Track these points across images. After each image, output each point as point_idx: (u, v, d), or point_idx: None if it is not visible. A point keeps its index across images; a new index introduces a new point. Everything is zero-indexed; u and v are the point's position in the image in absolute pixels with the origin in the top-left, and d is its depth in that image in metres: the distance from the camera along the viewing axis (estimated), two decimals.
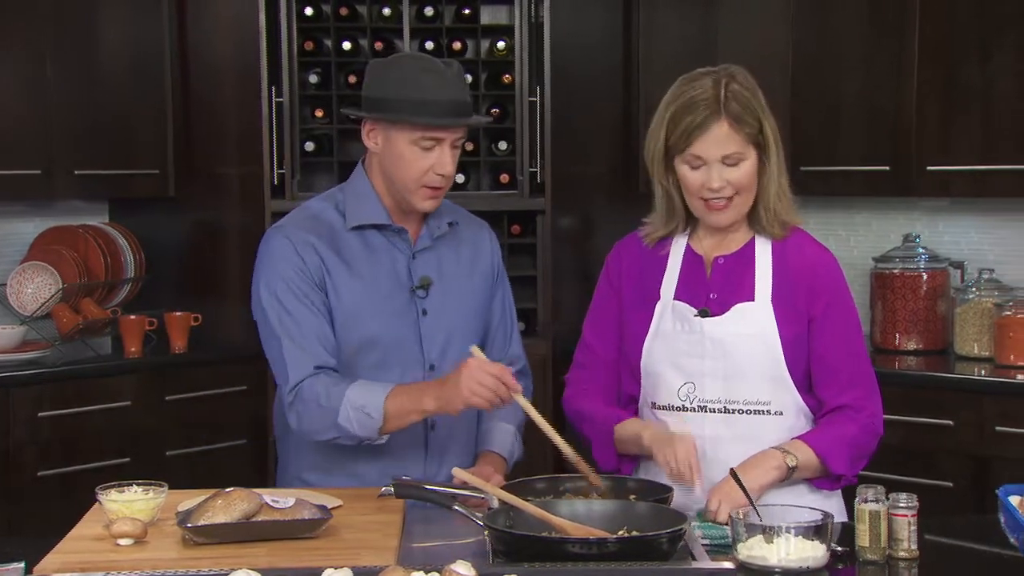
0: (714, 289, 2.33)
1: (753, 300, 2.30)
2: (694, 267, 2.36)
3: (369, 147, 2.46)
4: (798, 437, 2.28)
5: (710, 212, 2.30)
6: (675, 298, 2.35)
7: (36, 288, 4.09)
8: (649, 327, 2.36)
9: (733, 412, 2.29)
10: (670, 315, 2.34)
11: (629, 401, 2.41)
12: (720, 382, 2.28)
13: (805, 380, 2.31)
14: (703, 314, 2.31)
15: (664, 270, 2.37)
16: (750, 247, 2.34)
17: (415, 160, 2.38)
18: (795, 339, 2.29)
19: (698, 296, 2.33)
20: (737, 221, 2.33)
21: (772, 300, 2.29)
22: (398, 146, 2.39)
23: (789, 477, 2.25)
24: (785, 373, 2.28)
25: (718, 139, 2.24)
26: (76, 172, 4.07)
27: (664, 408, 2.34)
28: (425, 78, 2.36)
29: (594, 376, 2.45)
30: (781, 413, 2.30)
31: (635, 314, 2.38)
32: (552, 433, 2.28)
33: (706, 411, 2.29)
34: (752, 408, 2.28)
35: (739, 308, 2.30)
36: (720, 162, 2.25)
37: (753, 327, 2.29)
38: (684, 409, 2.32)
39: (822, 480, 2.31)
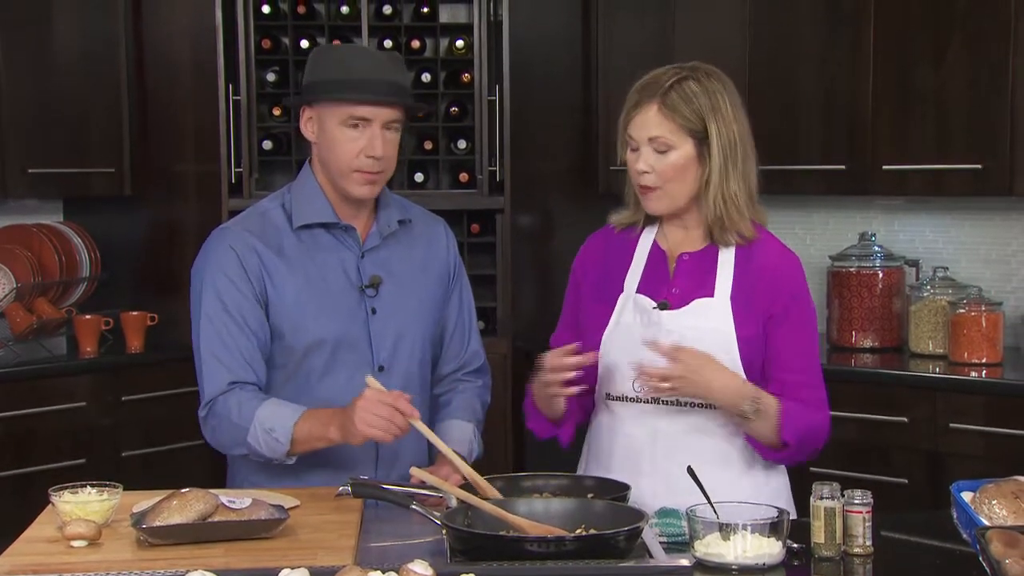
0: (676, 285, 2.34)
1: (712, 296, 2.31)
2: (658, 263, 2.37)
3: (307, 136, 2.44)
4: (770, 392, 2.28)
5: (642, 197, 2.33)
6: (637, 291, 2.36)
7: None
8: (610, 319, 2.36)
9: (685, 405, 2.29)
10: (631, 307, 2.35)
11: (585, 393, 2.41)
12: None
13: (760, 379, 2.32)
14: (662, 307, 2.32)
15: (629, 264, 2.39)
16: (715, 245, 2.35)
17: (345, 142, 2.37)
18: (752, 338, 2.30)
19: (660, 291, 2.34)
20: (676, 212, 2.33)
21: (732, 298, 2.30)
22: (329, 129, 2.38)
23: (752, 413, 2.23)
24: (740, 370, 2.29)
25: (646, 121, 2.27)
26: (30, 170, 4.03)
27: (618, 399, 2.35)
28: (357, 61, 2.36)
29: None
30: None
31: (596, 306, 2.39)
32: (451, 454, 2.24)
33: (659, 403, 2.30)
34: (705, 402, 2.29)
35: (698, 303, 2.31)
36: (649, 146, 2.28)
37: (711, 322, 2.29)
38: (638, 400, 2.32)
39: (766, 450, 2.30)
